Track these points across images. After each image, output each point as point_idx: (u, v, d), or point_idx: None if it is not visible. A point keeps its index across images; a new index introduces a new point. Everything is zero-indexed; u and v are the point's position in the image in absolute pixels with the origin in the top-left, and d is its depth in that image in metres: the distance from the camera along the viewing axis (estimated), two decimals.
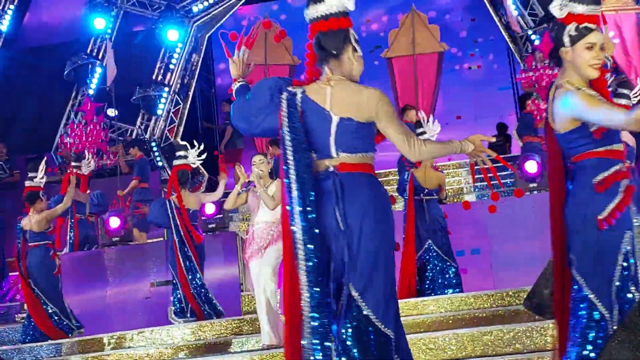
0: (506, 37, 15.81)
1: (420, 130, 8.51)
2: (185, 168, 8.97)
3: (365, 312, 3.47)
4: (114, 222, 10.96)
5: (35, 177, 9.17)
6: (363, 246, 3.52)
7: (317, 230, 3.50)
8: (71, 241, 10.66)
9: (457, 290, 8.62)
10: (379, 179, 3.78)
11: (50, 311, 8.98)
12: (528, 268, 9.15)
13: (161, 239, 11.72)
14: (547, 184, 9.78)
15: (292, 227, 3.51)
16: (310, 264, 3.45)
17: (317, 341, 3.42)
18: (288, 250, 3.54)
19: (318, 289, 3.44)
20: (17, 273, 9.80)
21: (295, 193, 3.51)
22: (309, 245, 3.47)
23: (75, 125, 14.59)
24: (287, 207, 3.54)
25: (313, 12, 3.66)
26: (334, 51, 3.64)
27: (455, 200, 12.62)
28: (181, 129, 16.30)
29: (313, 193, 3.53)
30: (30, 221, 9.12)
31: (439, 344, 5.87)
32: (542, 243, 9.04)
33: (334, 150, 3.62)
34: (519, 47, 15.36)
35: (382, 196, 3.65)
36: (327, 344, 3.43)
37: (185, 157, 9.00)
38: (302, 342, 3.44)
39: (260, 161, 7.28)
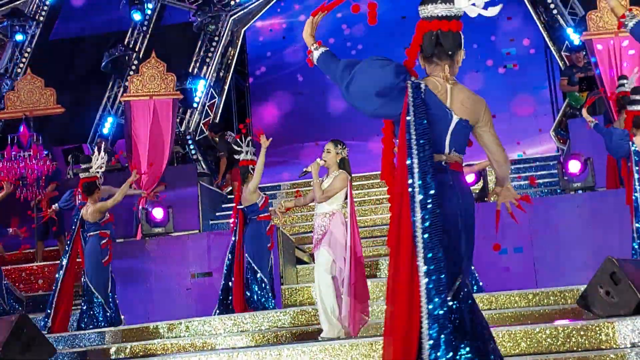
0: (545, 35, 15.66)
1: None
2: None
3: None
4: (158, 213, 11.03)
5: (90, 167, 9.27)
6: (471, 243, 3.68)
7: (437, 221, 3.49)
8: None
9: None
10: None
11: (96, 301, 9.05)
12: (571, 267, 9.18)
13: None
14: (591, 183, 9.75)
15: (413, 218, 3.51)
16: (430, 254, 3.46)
17: (436, 328, 3.43)
18: (406, 238, 3.52)
19: (435, 279, 3.45)
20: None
21: (417, 182, 3.51)
22: (425, 235, 3.48)
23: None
24: (409, 195, 3.54)
25: (436, 10, 3.63)
26: (449, 52, 3.68)
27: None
28: (216, 122, 16.34)
29: (434, 184, 3.52)
30: (87, 211, 9.18)
31: None
32: (588, 242, 9.09)
33: (448, 147, 3.67)
34: (558, 46, 15.23)
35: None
36: (445, 331, 3.45)
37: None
38: (421, 329, 3.45)
39: (327, 150, 7.13)
